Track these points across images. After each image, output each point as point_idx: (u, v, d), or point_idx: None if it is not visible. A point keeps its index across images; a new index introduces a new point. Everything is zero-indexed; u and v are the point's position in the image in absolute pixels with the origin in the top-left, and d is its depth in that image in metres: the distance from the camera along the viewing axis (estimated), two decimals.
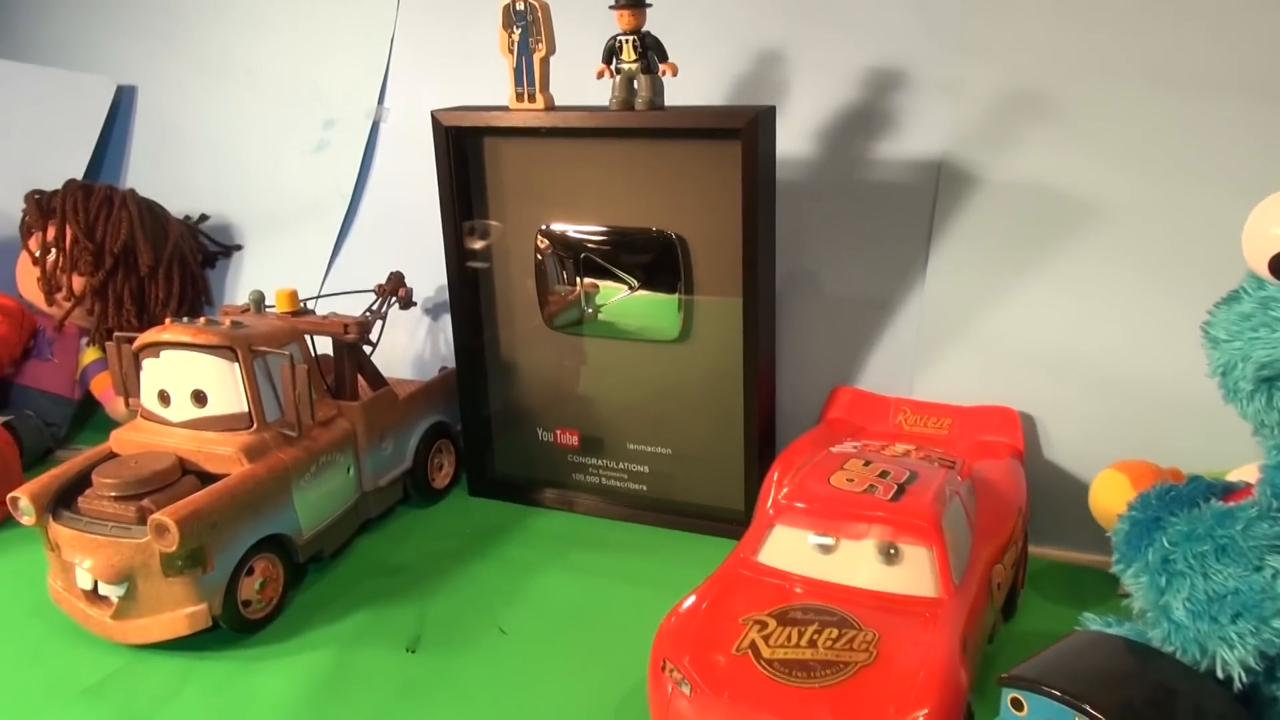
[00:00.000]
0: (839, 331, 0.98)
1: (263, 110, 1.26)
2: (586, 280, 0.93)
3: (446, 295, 1.01)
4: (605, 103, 0.87)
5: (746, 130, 0.82)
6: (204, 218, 1.27)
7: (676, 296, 0.91)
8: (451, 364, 1.04)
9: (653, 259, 0.91)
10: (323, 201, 1.22)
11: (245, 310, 0.96)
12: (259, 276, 1.25)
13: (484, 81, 1.03)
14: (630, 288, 0.92)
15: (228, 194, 1.28)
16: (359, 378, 0.95)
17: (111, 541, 0.77)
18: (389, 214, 1.20)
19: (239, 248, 1.28)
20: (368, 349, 0.96)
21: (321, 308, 1.05)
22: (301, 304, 0.97)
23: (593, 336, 0.96)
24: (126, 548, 0.77)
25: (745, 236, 0.85)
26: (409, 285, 1.09)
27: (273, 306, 0.95)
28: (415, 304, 1.11)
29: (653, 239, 0.90)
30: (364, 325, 0.93)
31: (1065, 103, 0.89)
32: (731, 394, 0.91)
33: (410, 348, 1.16)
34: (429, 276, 1.13)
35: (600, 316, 0.95)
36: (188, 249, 1.20)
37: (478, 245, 0.97)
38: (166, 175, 1.31)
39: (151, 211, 1.18)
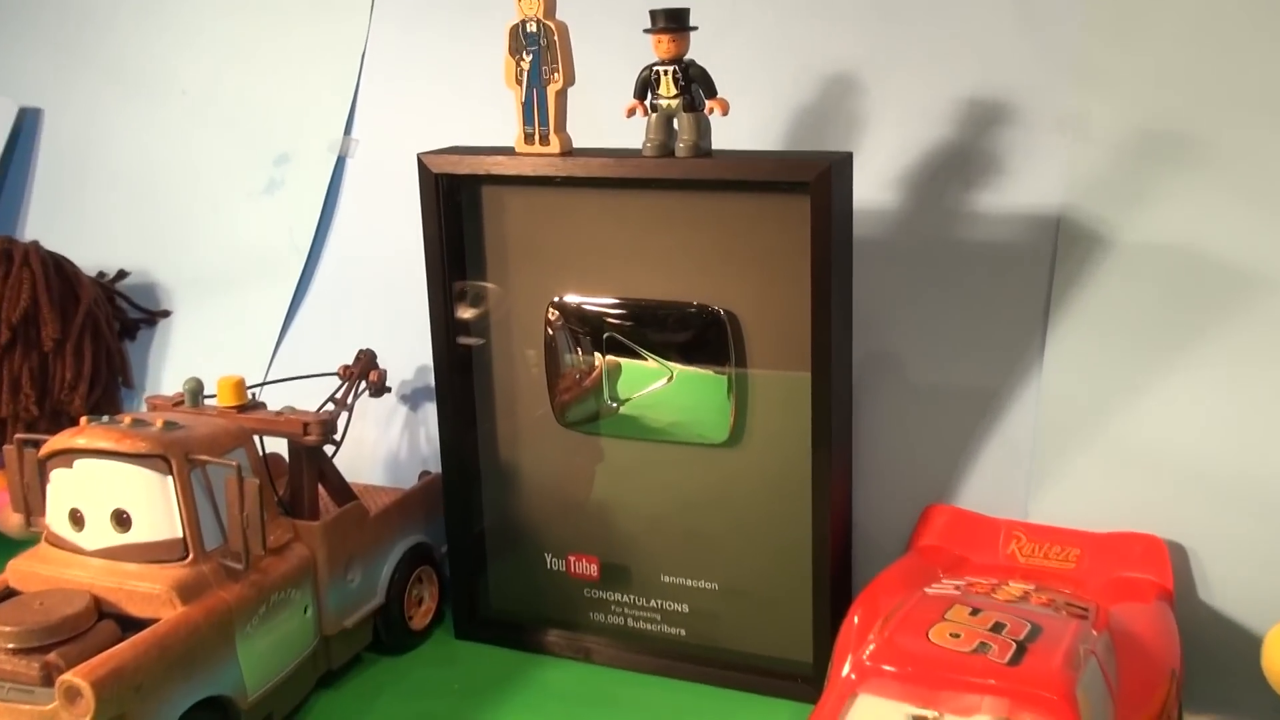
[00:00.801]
0: (932, 433, 0.98)
1: (200, 141, 1.28)
2: (609, 364, 0.94)
3: (431, 379, 1.02)
4: (637, 146, 0.89)
5: (817, 183, 0.83)
6: (122, 274, 1.29)
7: (724, 388, 0.91)
8: (435, 468, 1.04)
9: (695, 340, 0.92)
10: (273, 257, 1.23)
11: (178, 404, 0.97)
12: (191, 352, 1.26)
13: (479, 110, 1.04)
14: (666, 377, 0.93)
15: (154, 245, 1.29)
16: (320, 489, 0.95)
17: (8, 709, 0.76)
18: (358, 274, 1.21)
19: (166, 314, 1.30)
20: (330, 449, 0.96)
21: (271, 396, 1.04)
22: (250, 395, 0.97)
23: (617, 437, 0.97)
24: (27, 717, 0.75)
25: (815, 313, 0.85)
26: (382, 367, 1.08)
27: (213, 398, 0.95)
28: (390, 390, 1.11)
29: (695, 316, 0.91)
30: (327, 424, 0.93)
31: (1212, 143, 0.89)
32: (795, 513, 0.91)
33: (383, 446, 1.17)
34: (408, 355, 1.14)
35: (626, 411, 0.96)
36: (102, 316, 1.21)
37: (471, 316, 0.98)
38: (77, 220, 1.33)
39: (59, 270, 1.19)
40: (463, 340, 0.99)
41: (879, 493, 0.99)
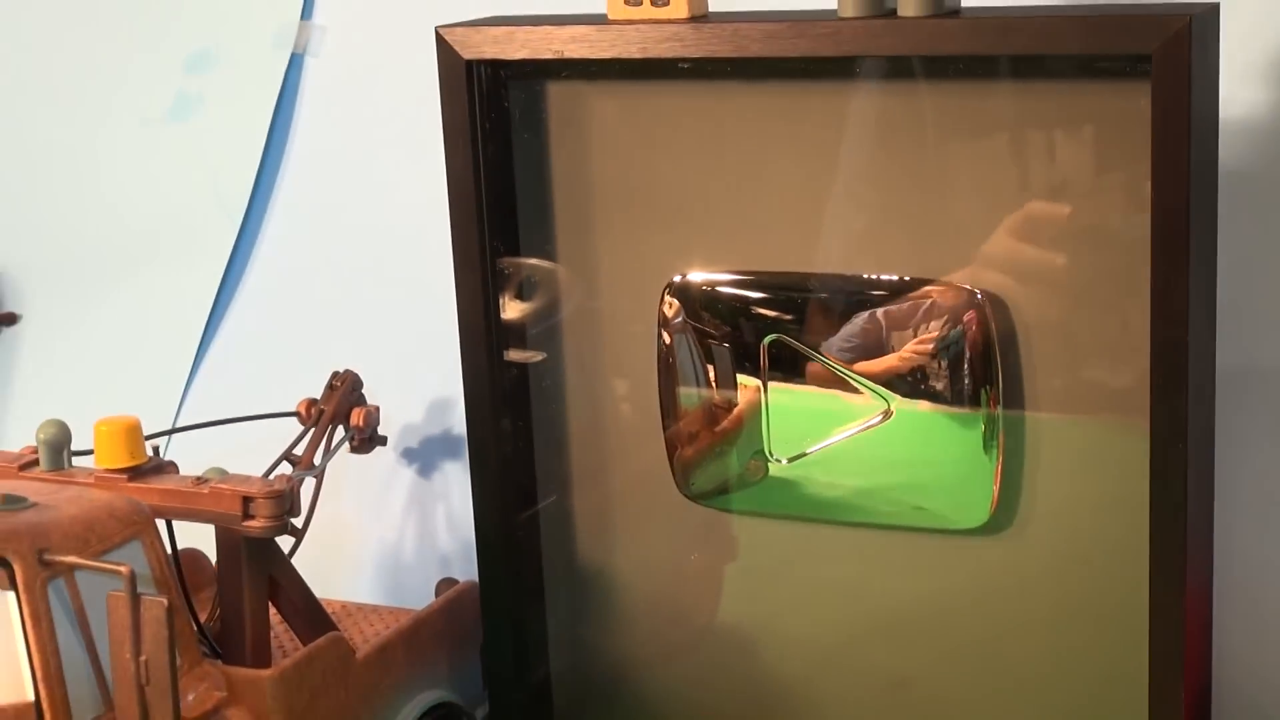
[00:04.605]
0: None
1: (67, 39, 1.29)
2: (772, 390, 0.89)
3: (456, 422, 1.05)
4: (825, 5, 0.83)
5: (1165, 58, 0.76)
6: None
7: (982, 434, 0.87)
8: (462, 573, 1.03)
9: (931, 351, 0.87)
10: (187, 223, 1.24)
11: (28, 465, 0.92)
12: (53, 378, 1.28)
13: None
14: (878, 414, 0.88)
15: None
16: (270, 609, 0.92)
17: None
18: (328, 249, 1.21)
19: (12, 319, 1.32)
20: (287, 542, 0.93)
21: (187, 451, 1.02)
22: (152, 451, 0.92)
23: (782, 517, 0.93)
24: None
25: (1158, 299, 0.79)
26: (372, 403, 1.04)
27: (88, 455, 0.91)
28: (385, 441, 1.07)
29: (932, 307, 0.86)
30: (282, 499, 0.88)
31: None
32: (1110, 652, 0.87)
33: (375, 536, 1.16)
34: (416, 382, 1.13)
35: (800, 473, 0.92)
36: None
37: (527, 313, 0.94)
38: None
39: None
40: (513, 356, 0.95)
41: (1261, 612, 0.96)
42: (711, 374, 0.93)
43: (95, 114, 1.28)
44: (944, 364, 0.88)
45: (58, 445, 0.92)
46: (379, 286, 1.17)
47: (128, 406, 0.99)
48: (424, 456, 1.15)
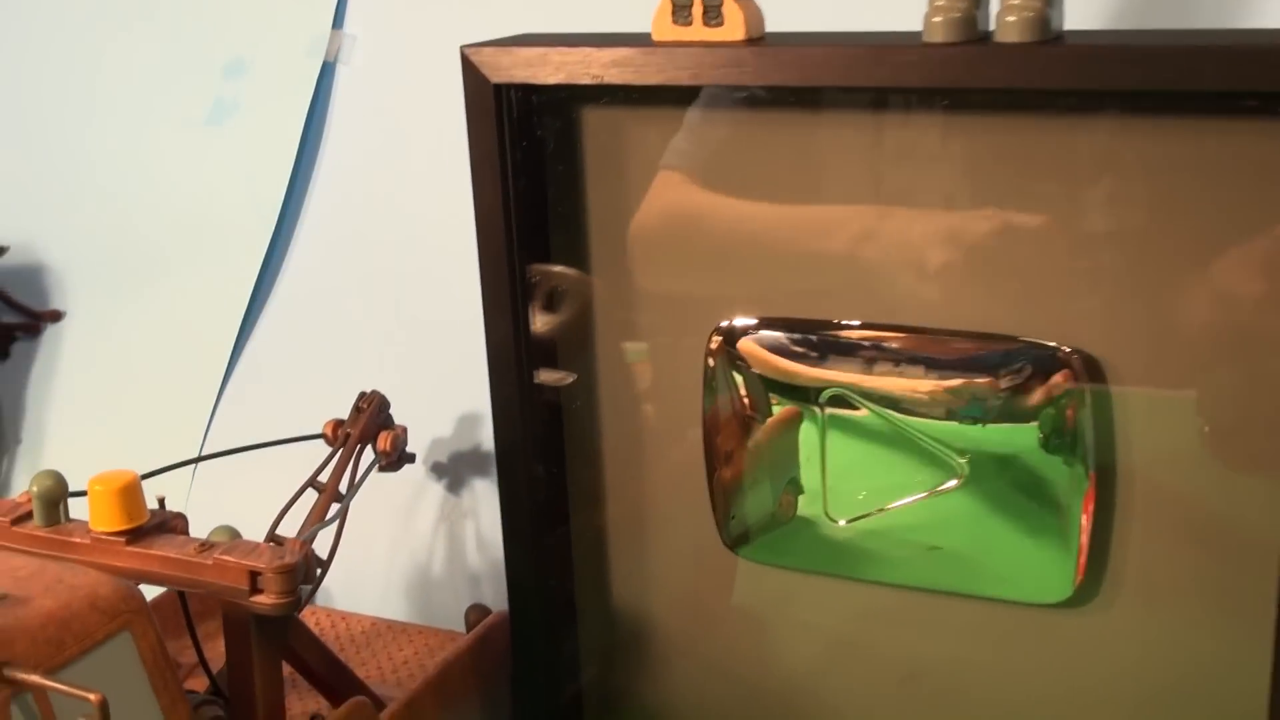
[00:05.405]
0: None
1: (104, 48, 1.17)
2: (832, 447, 0.78)
3: (484, 438, 0.97)
4: (901, 26, 0.69)
5: None
6: None
7: (1070, 502, 0.74)
8: (492, 600, 0.95)
9: (1012, 412, 0.74)
10: (225, 224, 1.12)
11: (21, 519, 0.76)
12: (93, 376, 1.15)
13: None
14: (951, 477, 0.75)
15: (33, 210, 1.20)
16: (281, 685, 0.76)
17: None
18: (359, 259, 1.08)
19: (56, 316, 1.18)
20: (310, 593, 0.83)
21: (208, 479, 0.92)
22: (157, 505, 0.75)
23: (838, 575, 0.81)
24: None
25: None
26: (400, 424, 0.91)
27: (82, 494, 0.76)
28: (412, 459, 0.92)
29: (1016, 360, 0.74)
30: (294, 573, 0.71)
31: None
32: None
33: (402, 554, 1.04)
34: (444, 401, 1.01)
35: (861, 534, 0.79)
36: None
37: (556, 325, 0.83)
38: None
39: None
40: (544, 377, 0.83)
41: None
42: (762, 426, 0.80)
43: (137, 117, 1.17)
44: (1028, 426, 0.73)
45: (53, 499, 0.76)
46: (407, 296, 1.05)
47: (165, 401, 0.98)
48: (451, 474, 1.03)
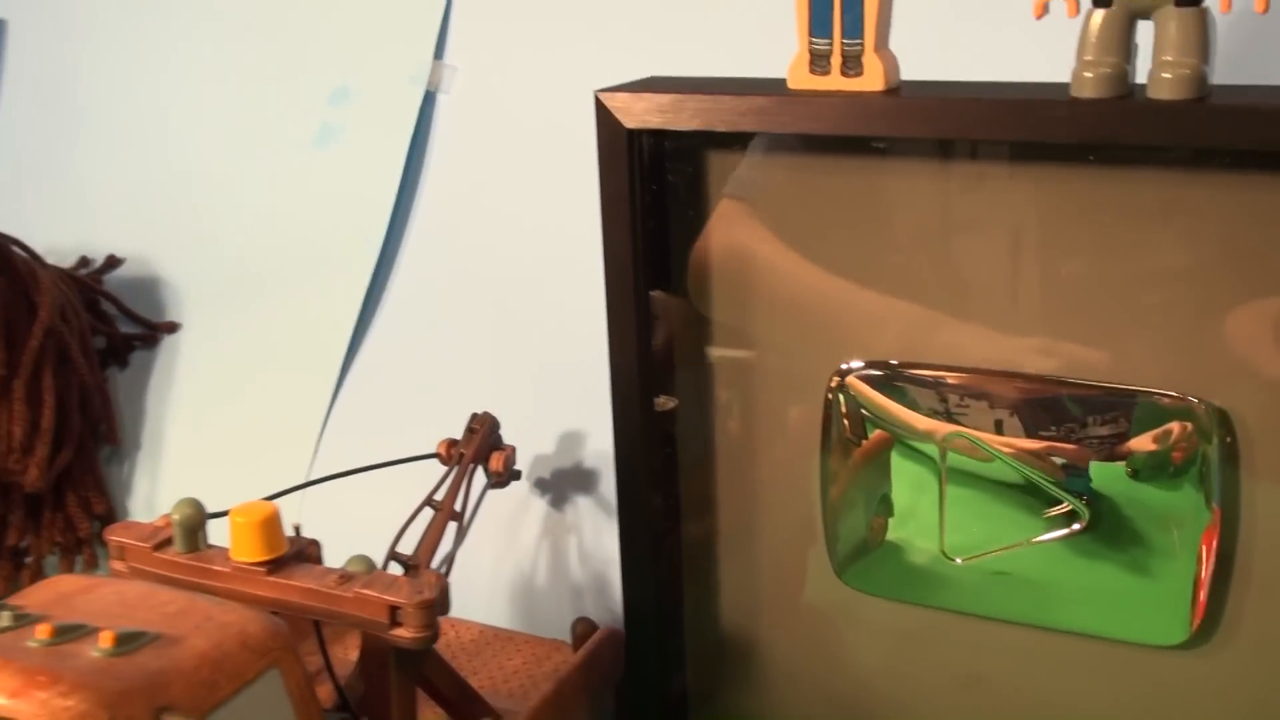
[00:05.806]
0: None
1: (219, 73, 1.13)
2: (949, 487, 0.71)
3: (587, 456, 0.92)
4: (1054, 78, 0.61)
5: None
6: (112, 264, 1.13)
7: (1189, 549, 0.67)
8: (595, 605, 0.91)
9: (1142, 462, 0.67)
10: (332, 242, 1.07)
11: (162, 544, 0.69)
12: (206, 390, 1.09)
13: (671, 20, 0.89)
14: (1073, 522, 0.67)
15: (152, 225, 1.14)
16: (415, 709, 0.69)
17: None
18: (467, 282, 1.01)
19: (173, 327, 1.12)
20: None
21: (319, 504, 0.82)
22: (293, 531, 0.69)
23: (954, 611, 0.73)
24: None
25: None
26: (509, 444, 0.85)
27: (221, 516, 0.70)
28: (519, 475, 0.86)
29: (1146, 413, 0.67)
30: (433, 608, 0.64)
31: None
32: None
33: (508, 566, 0.96)
34: (552, 421, 0.94)
35: (977, 573, 0.72)
36: (73, 335, 1.05)
37: (668, 353, 0.77)
38: (45, 184, 1.20)
39: (4, 262, 1.02)
40: (663, 403, 0.77)
41: None
42: (881, 465, 0.72)
43: (250, 138, 1.13)
44: (1153, 475, 0.66)
45: (193, 526, 0.70)
46: (506, 317, 1.00)
47: (277, 413, 0.95)
48: (555, 490, 0.97)
